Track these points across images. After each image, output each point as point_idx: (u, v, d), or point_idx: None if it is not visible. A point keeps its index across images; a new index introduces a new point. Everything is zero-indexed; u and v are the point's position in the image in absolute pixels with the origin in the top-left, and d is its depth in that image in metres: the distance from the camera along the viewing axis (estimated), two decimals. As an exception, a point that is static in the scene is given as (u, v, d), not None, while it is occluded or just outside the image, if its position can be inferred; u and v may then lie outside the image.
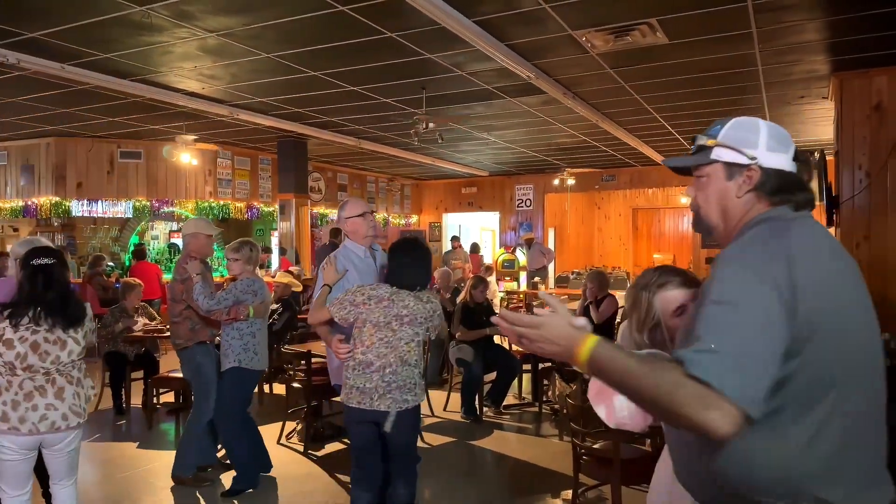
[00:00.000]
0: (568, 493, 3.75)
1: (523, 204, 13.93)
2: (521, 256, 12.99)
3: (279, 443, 4.94)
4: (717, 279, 1.28)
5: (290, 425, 5.18)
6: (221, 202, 9.86)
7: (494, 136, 9.13)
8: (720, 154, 1.44)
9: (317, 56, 5.27)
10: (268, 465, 4.25)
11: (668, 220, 15.85)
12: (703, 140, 1.47)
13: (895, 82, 5.46)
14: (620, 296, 7.74)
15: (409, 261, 2.95)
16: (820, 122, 7.92)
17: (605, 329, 6.17)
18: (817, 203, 7.60)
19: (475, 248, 12.65)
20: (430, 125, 6.30)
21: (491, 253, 14.41)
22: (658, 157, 11.03)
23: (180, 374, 4.67)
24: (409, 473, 3.03)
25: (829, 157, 6.46)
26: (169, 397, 5.90)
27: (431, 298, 2.98)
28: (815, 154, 7.87)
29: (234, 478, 4.02)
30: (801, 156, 1.46)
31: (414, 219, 14.99)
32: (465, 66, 5.53)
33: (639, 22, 4.52)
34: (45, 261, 2.78)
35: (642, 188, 13.77)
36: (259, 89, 6.43)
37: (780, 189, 1.41)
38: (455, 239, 12.29)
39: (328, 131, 8.53)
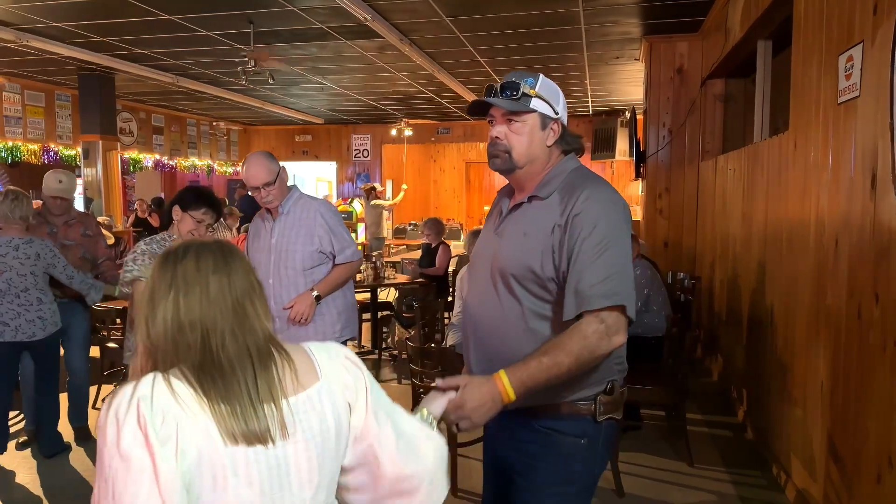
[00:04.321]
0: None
1: (361, 154, 13.72)
2: (358, 207, 12.88)
3: (95, 407, 4.51)
4: (597, 226, 1.51)
5: (106, 388, 4.74)
6: (10, 143, 8.52)
7: (329, 81, 8.80)
8: (537, 104, 1.61)
9: (124, -24, 4.65)
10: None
11: (497, 175, 16.50)
12: (526, 88, 1.59)
13: (694, 48, 6.09)
14: (455, 245, 8.01)
15: None
16: (632, 83, 8.63)
17: (442, 278, 6.34)
18: (628, 157, 8.38)
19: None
20: (260, 63, 5.88)
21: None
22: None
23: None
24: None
25: (640, 116, 7.10)
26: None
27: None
28: (627, 112, 8.62)
29: None
30: None
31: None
32: (296, 0, 5.21)
33: (474, -31, 4.54)
34: None
35: (474, 142, 14.18)
36: (54, 12, 5.55)
37: (568, 141, 1.68)
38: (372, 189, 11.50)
39: (140, 65, 7.64)
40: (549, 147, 1.64)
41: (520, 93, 1.58)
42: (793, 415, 3.17)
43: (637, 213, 8.51)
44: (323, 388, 1.13)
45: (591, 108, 11.01)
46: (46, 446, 3.81)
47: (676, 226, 6.23)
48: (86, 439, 4.03)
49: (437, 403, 1.42)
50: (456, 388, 1.45)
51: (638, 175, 6.99)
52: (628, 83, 8.72)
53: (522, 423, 1.62)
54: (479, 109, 1.66)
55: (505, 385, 1.44)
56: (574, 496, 1.63)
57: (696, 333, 5.22)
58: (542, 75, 1.63)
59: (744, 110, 5.69)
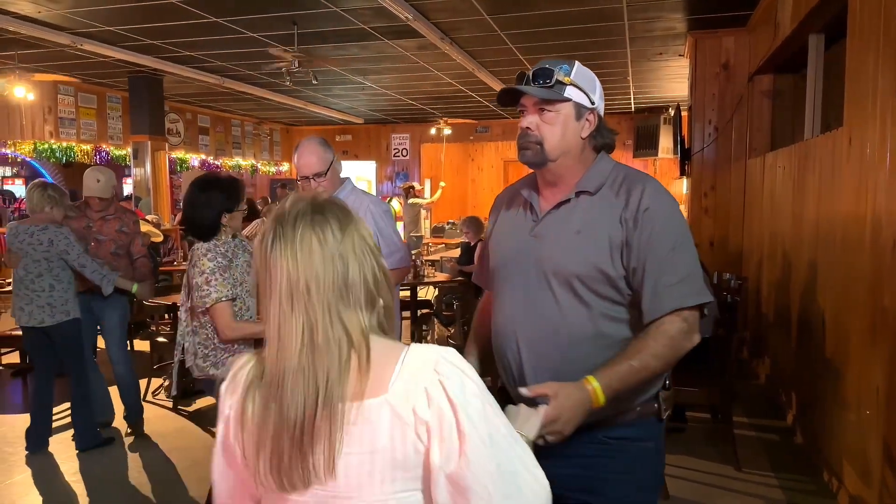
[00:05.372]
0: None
1: (400, 153, 13.82)
2: (397, 206, 12.98)
3: (145, 400, 4.65)
4: (669, 221, 1.47)
5: (156, 381, 4.89)
6: (65, 144, 8.85)
7: (370, 81, 8.88)
8: (571, 93, 1.48)
9: (174, -20, 4.78)
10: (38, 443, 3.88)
11: (536, 172, 16.42)
12: (560, 75, 1.47)
13: (741, 43, 5.94)
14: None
15: None
16: (676, 79, 8.47)
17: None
18: (672, 155, 8.24)
19: None
20: (302, 64, 5.98)
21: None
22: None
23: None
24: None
25: (684, 113, 6.97)
26: (12, 358, 5.34)
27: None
28: (671, 109, 8.46)
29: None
30: None
31: (285, 167, 14.40)
32: (339, 1, 5.27)
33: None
34: None
35: (513, 140, 14.05)
36: (106, 16, 5.74)
37: (604, 134, 1.55)
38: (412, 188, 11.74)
39: (187, 67, 7.85)
40: (583, 139, 1.51)
41: (553, 80, 1.45)
42: (846, 419, 3.07)
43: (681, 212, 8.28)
44: (383, 405, 0.98)
45: (633, 105, 10.84)
46: (78, 440, 3.87)
47: (722, 225, 6.10)
48: (136, 430, 4.12)
49: (530, 424, 1.26)
50: (543, 397, 1.33)
51: (682, 173, 6.86)
52: (672, 79, 8.56)
53: (587, 437, 1.47)
54: (510, 99, 1.52)
55: (596, 391, 1.36)
56: (648, 501, 1.58)
57: (742, 335, 5.10)
58: (577, 62, 1.51)
59: (793, 106, 5.53)
